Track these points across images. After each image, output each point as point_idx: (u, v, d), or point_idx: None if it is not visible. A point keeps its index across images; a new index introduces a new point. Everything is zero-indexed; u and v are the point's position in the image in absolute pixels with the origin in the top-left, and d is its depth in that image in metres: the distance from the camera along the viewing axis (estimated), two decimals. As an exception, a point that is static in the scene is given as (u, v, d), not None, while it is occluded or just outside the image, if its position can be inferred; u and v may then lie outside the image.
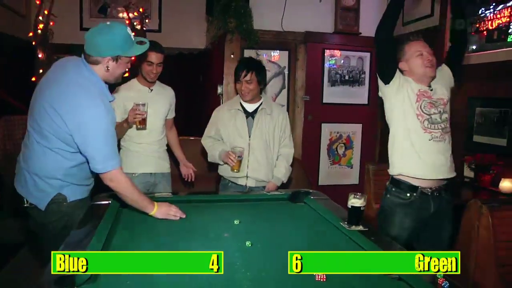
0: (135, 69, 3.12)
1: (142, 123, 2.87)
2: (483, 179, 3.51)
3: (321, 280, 1.48)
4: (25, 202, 2.26)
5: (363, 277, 1.56)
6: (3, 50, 5.54)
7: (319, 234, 2.04)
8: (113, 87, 2.98)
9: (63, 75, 2.13)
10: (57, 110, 2.05)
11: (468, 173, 3.71)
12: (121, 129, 2.92)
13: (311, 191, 2.68)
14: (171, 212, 2.22)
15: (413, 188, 2.47)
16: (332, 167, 5.24)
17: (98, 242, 1.72)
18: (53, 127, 2.09)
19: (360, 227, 2.00)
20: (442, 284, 1.45)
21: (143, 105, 2.82)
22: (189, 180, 3.37)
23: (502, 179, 3.23)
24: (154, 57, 2.98)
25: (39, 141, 2.16)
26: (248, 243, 1.83)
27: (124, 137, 3.09)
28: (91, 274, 1.45)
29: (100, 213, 2.10)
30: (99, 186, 2.36)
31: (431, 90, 2.54)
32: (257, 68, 3.00)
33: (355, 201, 2.01)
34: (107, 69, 2.15)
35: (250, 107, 3.07)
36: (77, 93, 2.06)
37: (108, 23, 2.15)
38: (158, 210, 2.20)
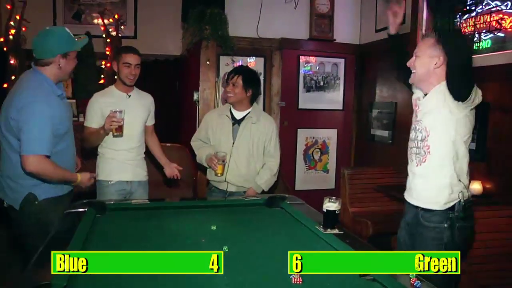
0: (111, 77, 3.10)
1: (119, 130, 2.84)
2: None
3: (298, 282, 1.51)
4: (4, 203, 2.48)
5: (338, 278, 1.59)
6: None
7: (295, 238, 2.07)
8: (88, 93, 2.97)
9: (17, 87, 2.41)
10: (12, 113, 2.30)
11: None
12: (97, 136, 2.93)
13: (287, 196, 2.71)
14: (91, 180, 2.60)
15: None
16: (308, 172, 5.30)
17: (73, 250, 1.71)
18: (13, 130, 2.33)
19: (336, 231, 2.03)
20: (415, 284, 1.49)
21: (120, 112, 2.79)
22: (176, 178, 3.29)
23: (472, 181, 3.32)
24: (132, 58, 2.98)
25: (5, 146, 2.41)
26: (225, 248, 1.84)
27: (101, 144, 3.04)
28: (67, 283, 1.44)
29: (76, 221, 2.09)
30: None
31: (424, 97, 2.28)
32: (245, 73, 3.08)
33: (330, 205, 2.05)
34: (59, 66, 2.42)
35: (239, 115, 3.13)
36: (22, 92, 2.34)
37: (47, 28, 2.48)
38: (81, 179, 2.51)
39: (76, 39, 2.49)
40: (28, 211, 2.41)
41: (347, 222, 3.97)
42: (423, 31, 4.05)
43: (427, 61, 2.19)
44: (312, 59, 5.17)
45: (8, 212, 2.47)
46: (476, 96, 2.12)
